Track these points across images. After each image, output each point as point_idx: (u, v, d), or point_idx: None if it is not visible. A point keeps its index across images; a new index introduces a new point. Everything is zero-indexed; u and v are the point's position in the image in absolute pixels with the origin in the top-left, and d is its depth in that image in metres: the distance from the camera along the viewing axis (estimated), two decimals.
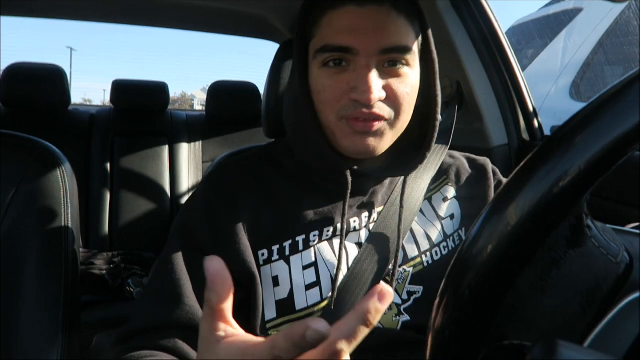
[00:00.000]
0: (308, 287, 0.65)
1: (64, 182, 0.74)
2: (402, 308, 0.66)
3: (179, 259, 0.67)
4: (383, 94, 0.63)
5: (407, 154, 0.71)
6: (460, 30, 1.23)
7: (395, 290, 0.67)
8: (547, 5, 3.35)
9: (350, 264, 0.66)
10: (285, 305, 0.65)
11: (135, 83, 2.16)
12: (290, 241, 0.67)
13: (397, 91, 0.64)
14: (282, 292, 0.65)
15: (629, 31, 2.38)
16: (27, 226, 0.71)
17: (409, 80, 0.65)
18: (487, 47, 1.24)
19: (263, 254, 0.67)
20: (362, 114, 0.62)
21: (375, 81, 0.62)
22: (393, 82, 0.64)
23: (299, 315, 0.64)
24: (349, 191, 0.67)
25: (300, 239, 0.67)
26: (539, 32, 3.18)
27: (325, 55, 0.63)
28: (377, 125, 0.64)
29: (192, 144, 2.16)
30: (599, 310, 0.31)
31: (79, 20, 2.15)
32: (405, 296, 0.67)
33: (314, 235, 0.67)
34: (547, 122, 1.32)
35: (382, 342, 0.64)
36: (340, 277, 0.65)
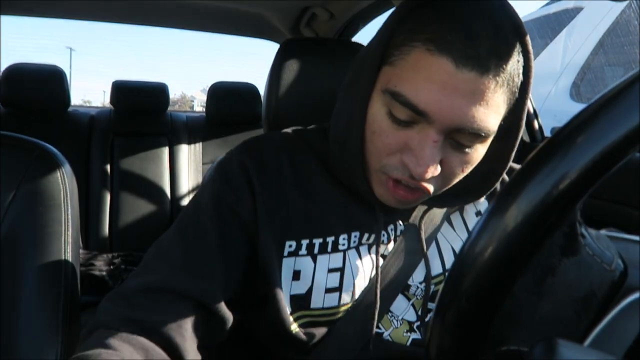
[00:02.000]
0: (328, 290, 0.62)
1: (64, 183, 0.74)
2: (415, 325, 0.64)
3: (210, 223, 0.60)
4: (437, 171, 0.54)
5: (447, 191, 0.62)
6: None
7: (413, 306, 0.65)
8: (547, 4, 3.35)
9: (379, 277, 0.63)
10: (301, 301, 0.61)
11: (135, 84, 2.16)
12: (320, 240, 0.62)
13: (454, 169, 0.56)
14: (300, 289, 0.61)
15: (630, 31, 2.38)
16: (27, 227, 0.71)
17: (474, 156, 0.56)
18: None
19: (290, 245, 0.62)
20: (408, 181, 0.55)
21: (436, 157, 0.53)
22: (453, 158, 0.55)
23: (314, 312, 0.62)
24: (381, 226, 0.64)
25: (330, 239, 0.63)
26: (539, 31, 3.18)
27: (396, 105, 0.53)
28: (416, 197, 0.57)
29: (192, 145, 2.16)
30: (594, 317, 0.31)
31: (78, 19, 2.15)
32: (421, 313, 0.65)
33: (343, 239, 0.63)
34: (547, 123, 1.32)
35: (388, 356, 0.62)
36: (363, 287, 0.63)
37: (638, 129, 0.28)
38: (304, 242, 0.62)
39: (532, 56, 0.55)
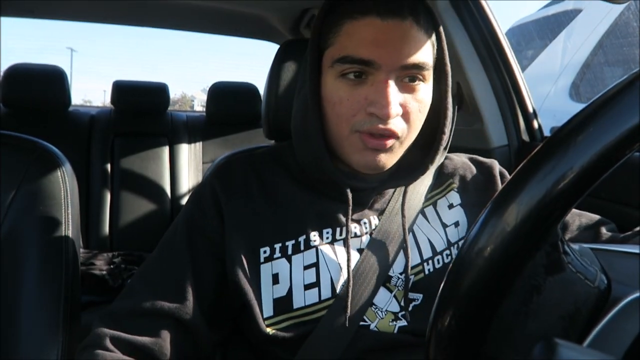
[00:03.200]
0: (307, 286, 0.65)
1: (65, 182, 0.74)
2: (399, 315, 0.66)
3: (182, 246, 0.68)
4: (400, 110, 0.63)
5: (409, 163, 0.70)
6: (460, 31, 1.23)
7: (395, 297, 0.67)
8: (546, 6, 3.36)
9: (351, 268, 0.65)
10: (283, 303, 0.65)
11: (136, 84, 2.16)
12: (293, 241, 0.67)
13: (411, 108, 0.64)
14: (281, 290, 0.65)
15: (629, 32, 2.38)
16: (28, 227, 0.71)
17: (422, 96, 0.65)
18: (486, 48, 1.24)
19: (265, 251, 0.67)
20: (378, 129, 0.62)
21: (394, 96, 0.61)
22: (408, 98, 0.64)
23: (297, 313, 0.65)
24: (350, 208, 0.67)
25: (301, 239, 0.67)
26: (539, 33, 3.18)
27: (345, 67, 0.62)
28: (390, 142, 0.64)
29: (192, 144, 2.16)
30: (581, 333, 0.31)
31: (79, 21, 2.16)
32: (404, 303, 0.66)
33: (314, 236, 0.67)
34: (546, 123, 1.33)
35: (378, 345, 0.64)
36: (341, 281, 0.66)
37: (636, 129, 0.28)
38: (277, 246, 0.67)
39: (435, 15, 0.68)
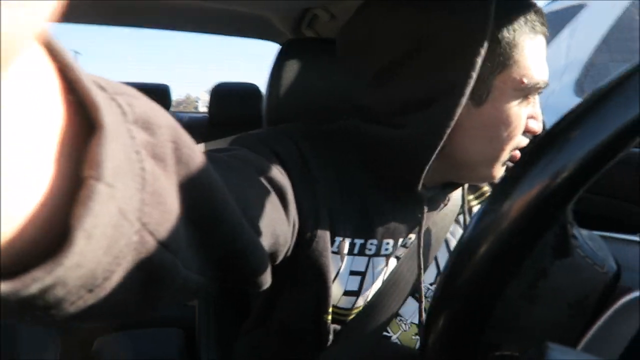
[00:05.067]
0: (346, 293, 0.63)
1: None
2: None
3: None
4: None
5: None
6: None
7: (425, 309, 0.64)
8: (550, 2, 3.34)
9: (386, 278, 0.64)
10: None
11: (135, 85, 2.15)
12: (350, 239, 0.63)
13: None
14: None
15: (633, 27, 2.36)
16: None
17: None
18: None
19: (335, 242, 0.63)
20: (524, 144, 0.65)
21: None
22: None
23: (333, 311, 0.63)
24: (424, 219, 0.63)
25: (358, 242, 0.63)
26: None
27: (534, 92, 0.61)
28: None
29: None
30: (588, 320, 0.31)
31: (82, 23, 2.16)
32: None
33: (371, 244, 0.64)
34: (551, 119, 1.31)
35: (396, 358, 0.63)
36: (376, 289, 0.64)
37: (633, 125, 0.28)
38: (338, 239, 0.61)
39: None
